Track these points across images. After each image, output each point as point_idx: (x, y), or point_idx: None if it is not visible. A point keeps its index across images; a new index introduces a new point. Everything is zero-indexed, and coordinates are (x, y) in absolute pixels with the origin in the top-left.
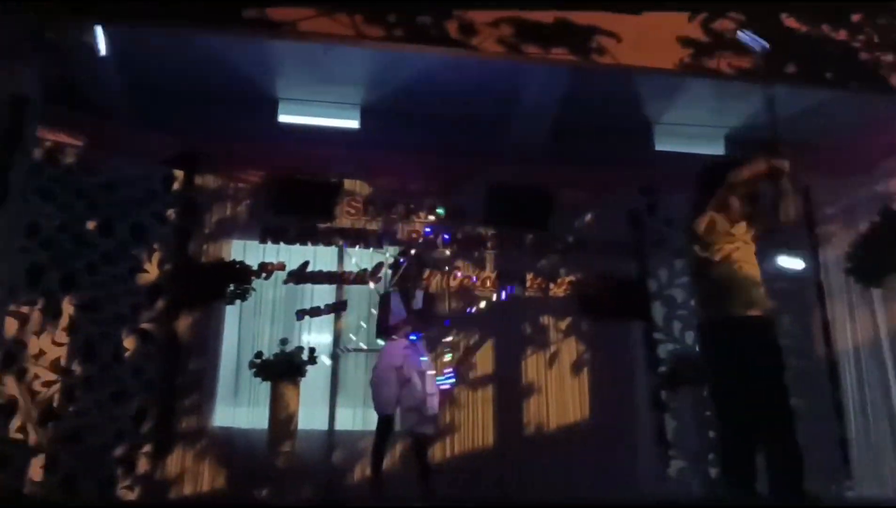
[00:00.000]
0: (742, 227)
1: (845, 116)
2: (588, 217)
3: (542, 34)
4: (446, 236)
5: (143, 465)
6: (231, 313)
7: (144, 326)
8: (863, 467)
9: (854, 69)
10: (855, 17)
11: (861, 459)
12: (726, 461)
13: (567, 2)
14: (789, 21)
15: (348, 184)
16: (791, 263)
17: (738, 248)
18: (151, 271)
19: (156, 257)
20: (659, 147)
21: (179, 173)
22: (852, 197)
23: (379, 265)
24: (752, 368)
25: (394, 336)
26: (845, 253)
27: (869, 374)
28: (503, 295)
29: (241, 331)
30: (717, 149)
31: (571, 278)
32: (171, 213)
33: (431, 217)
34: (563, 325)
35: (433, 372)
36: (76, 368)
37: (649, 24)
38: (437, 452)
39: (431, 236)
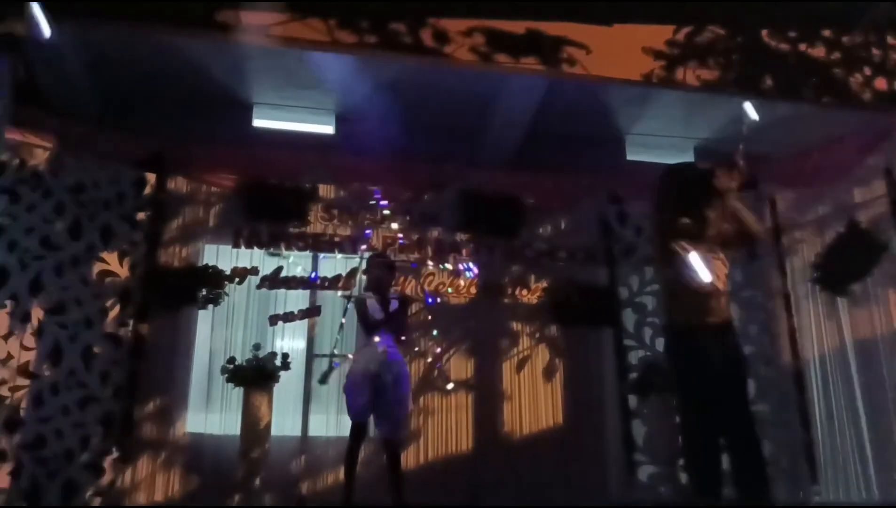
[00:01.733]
0: (713, 236)
1: (812, 127)
2: (560, 225)
3: (513, 44)
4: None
5: (111, 471)
6: (203, 318)
7: (114, 330)
8: (829, 472)
9: (827, 84)
10: (826, 33)
11: (827, 464)
12: (691, 466)
13: (538, 12)
14: (765, 35)
15: (323, 189)
16: None
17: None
18: (121, 275)
19: (126, 260)
20: (630, 157)
21: (151, 176)
22: (819, 208)
23: (353, 271)
24: (712, 374)
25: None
26: (812, 263)
27: (834, 381)
28: (476, 302)
29: (214, 336)
30: (688, 159)
31: (543, 284)
32: (142, 216)
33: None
34: (535, 331)
35: (407, 378)
36: (44, 372)
37: (619, 35)
38: (410, 458)
39: (405, 243)
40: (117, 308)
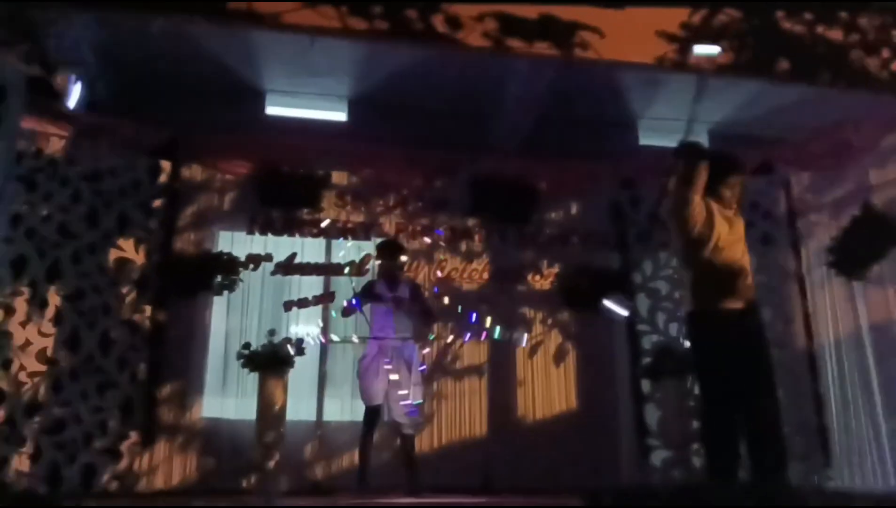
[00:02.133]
0: (731, 216)
1: (827, 109)
2: (573, 210)
3: (525, 29)
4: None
5: (128, 456)
6: (219, 304)
7: (130, 317)
8: (843, 457)
9: (844, 67)
10: (843, 15)
11: (842, 449)
12: (708, 449)
13: None
14: (782, 18)
15: (336, 176)
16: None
17: (729, 238)
18: (138, 262)
19: (142, 247)
20: (643, 141)
21: (166, 164)
22: (834, 191)
23: (366, 257)
24: (736, 358)
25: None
26: (827, 246)
27: (850, 365)
28: (489, 288)
29: (229, 322)
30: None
31: (556, 269)
32: (157, 203)
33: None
34: (549, 317)
35: (420, 363)
36: (62, 359)
37: (632, 19)
38: (424, 442)
39: (418, 229)
40: (134, 295)
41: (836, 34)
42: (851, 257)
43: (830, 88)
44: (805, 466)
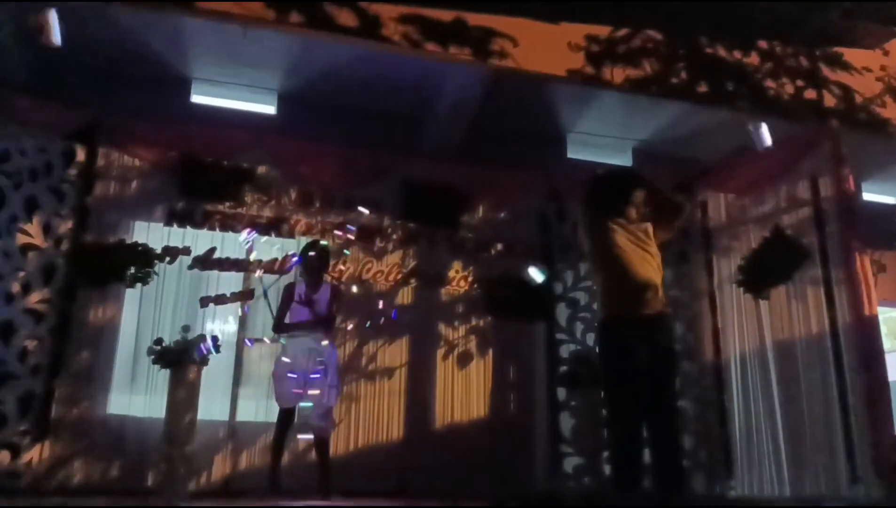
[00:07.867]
0: (639, 232)
1: (744, 135)
2: (499, 218)
3: (443, 32)
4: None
5: (26, 451)
6: (131, 296)
7: (35, 306)
8: (744, 467)
9: (760, 94)
10: (762, 44)
11: (742, 460)
12: (613, 458)
13: (483, 5)
14: (703, 43)
15: (261, 170)
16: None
17: (636, 253)
18: (45, 248)
19: (51, 234)
20: (571, 155)
21: (82, 148)
22: (747, 212)
23: (288, 255)
24: (642, 368)
25: (295, 333)
26: (738, 266)
27: (753, 380)
28: (411, 291)
29: (141, 316)
30: (626, 160)
31: (480, 276)
32: (70, 188)
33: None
34: (470, 322)
35: (335, 366)
36: None
37: (548, 29)
38: (339, 444)
39: (342, 230)
40: (40, 283)
41: (754, 61)
42: (759, 277)
43: (748, 115)
44: (708, 475)
